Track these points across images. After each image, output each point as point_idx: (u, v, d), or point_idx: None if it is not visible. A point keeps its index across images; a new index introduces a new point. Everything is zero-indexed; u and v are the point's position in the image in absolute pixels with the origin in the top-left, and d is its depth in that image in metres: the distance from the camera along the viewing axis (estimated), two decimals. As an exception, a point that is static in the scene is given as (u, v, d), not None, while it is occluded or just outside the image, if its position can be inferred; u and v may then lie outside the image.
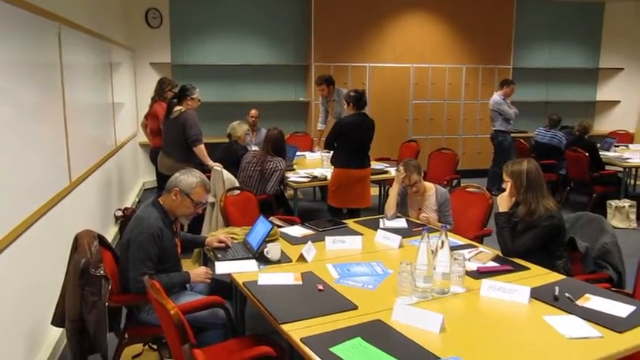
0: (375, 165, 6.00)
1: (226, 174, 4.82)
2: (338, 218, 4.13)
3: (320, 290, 2.55)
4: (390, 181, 5.29)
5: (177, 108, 5.01)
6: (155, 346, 3.23)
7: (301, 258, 2.97)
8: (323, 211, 5.94)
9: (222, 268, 2.87)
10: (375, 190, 6.00)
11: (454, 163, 6.26)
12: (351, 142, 4.75)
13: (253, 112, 7.18)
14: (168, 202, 2.90)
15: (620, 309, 2.33)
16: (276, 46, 8.62)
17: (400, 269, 2.41)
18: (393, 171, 5.69)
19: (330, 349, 1.99)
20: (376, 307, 2.35)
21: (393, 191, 3.91)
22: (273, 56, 8.61)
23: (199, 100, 5.18)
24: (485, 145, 9.05)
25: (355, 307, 2.36)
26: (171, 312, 2.08)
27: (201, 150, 4.98)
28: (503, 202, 3.14)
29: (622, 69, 9.89)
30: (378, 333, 2.13)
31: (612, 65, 9.94)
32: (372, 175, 5.24)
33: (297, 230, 3.57)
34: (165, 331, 2.36)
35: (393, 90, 8.77)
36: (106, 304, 2.65)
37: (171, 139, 5.08)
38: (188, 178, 2.89)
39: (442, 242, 2.46)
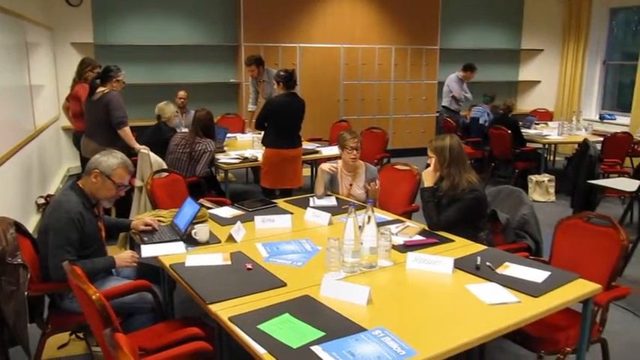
0: (307, 145, 6.01)
1: (153, 157, 4.69)
2: (271, 199, 4.12)
3: (249, 269, 2.53)
4: (320, 161, 5.32)
5: (100, 89, 4.81)
6: (82, 335, 3.13)
7: (230, 238, 2.94)
8: (256, 193, 5.90)
9: (148, 251, 2.80)
10: (307, 171, 6.02)
11: (384, 142, 6.36)
12: (281, 122, 4.73)
13: (182, 93, 7.03)
14: (88, 184, 2.79)
15: (537, 275, 2.44)
16: (204, 26, 8.42)
17: (328, 245, 2.43)
18: (324, 151, 5.73)
19: (258, 327, 1.98)
20: (305, 284, 2.37)
21: (323, 169, 3.94)
22: (201, 36, 8.41)
23: (124, 82, 5.00)
24: (416, 124, 9.27)
25: (284, 285, 2.36)
26: (93, 297, 2.01)
27: (126, 133, 4.81)
28: (427, 177, 3.22)
29: (542, 50, 10.32)
30: (306, 308, 2.15)
31: (533, 46, 10.35)
32: (303, 155, 5.26)
33: (226, 211, 3.53)
34: (88, 318, 2.28)
35: (324, 70, 8.78)
36: (26, 293, 2.54)
37: (94, 121, 4.88)
38: (109, 159, 2.79)
39: (369, 217, 2.50)
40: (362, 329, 1.96)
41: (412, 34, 9.18)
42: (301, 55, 8.60)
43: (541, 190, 6.65)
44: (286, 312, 2.10)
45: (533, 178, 6.68)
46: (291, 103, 4.74)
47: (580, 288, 2.35)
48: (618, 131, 6.85)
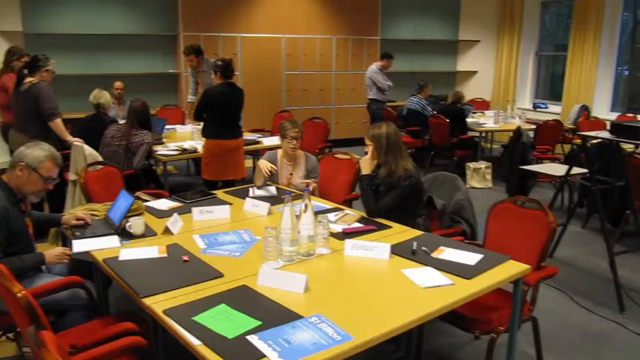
0: (248, 136, 5.95)
1: (87, 149, 4.54)
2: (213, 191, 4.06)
3: (185, 261, 2.49)
4: (262, 151, 5.28)
5: (29, 79, 4.60)
6: (12, 336, 3.00)
7: (167, 231, 2.88)
8: (198, 185, 5.81)
9: (80, 246, 2.70)
10: (249, 162, 5.97)
11: (326, 132, 6.38)
12: (220, 113, 4.66)
13: (118, 84, 6.83)
14: (13, 178, 2.66)
15: (470, 258, 2.51)
16: (141, 15, 8.17)
17: (265, 234, 2.41)
18: (265, 141, 5.70)
19: (194, 318, 1.95)
20: (242, 274, 2.34)
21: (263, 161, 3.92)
22: (138, 25, 8.16)
23: (54, 72, 4.80)
24: (358, 114, 9.33)
25: (221, 275, 2.33)
26: (18, 295, 1.93)
27: (58, 125, 4.63)
28: (365, 165, 3.25)
29: (478, 41, 10.58)
30: (243, 298, 2.13)
31: (470, 38, 10.60)
32: (245, 145, 5.21)
33: (163, 203, 3.45)
34: (14, 317, 2.18)
35: (266, 61, 8.71)
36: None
37: (23, 113, 4.66)
38: (35, 151, 2.67)
39: (305, 206, 2.49)
40: (299, 317, 1.96)
41: (353, 25, 9.23)
42: (242, 45, 8.50)
43: (478, 176, 6.84)
44: (222, 303, 2.07)
45: (471, 165, 6.87)
46: (229, 92, 4.68)
47: (510, 269, 2.43)
48: (550, 119, 7.11)
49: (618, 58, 8.77)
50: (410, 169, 3.15)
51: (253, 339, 1.81)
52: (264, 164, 3.83)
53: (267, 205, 3.24)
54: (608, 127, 4.21)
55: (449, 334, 3.33)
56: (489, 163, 6.93)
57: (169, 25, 8.31)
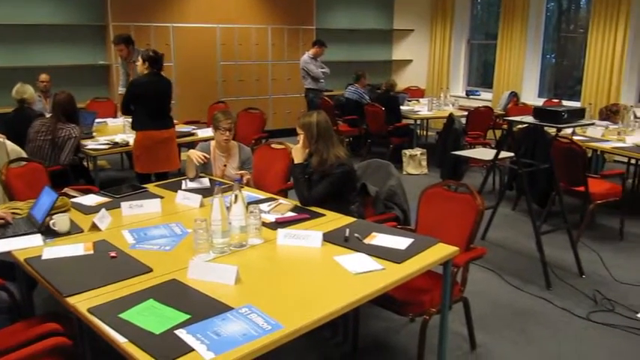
0: (183, 127, 5.85)
1: (10, 145, 4.32)
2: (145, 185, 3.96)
3: (113, 257, 2.41)
4: (197, 143, 5.18)
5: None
6: None
7: (94, 227, 2.78)
8: (132, 180, 5.65)
9: (0, 246, 2.57)
10: (184, 155, 5.85)
11: (262, 123, 6.33)
12: (148, 104, 4.54)
13: (43, 76, 6.54)
14: None
15: (401, 242, 2.56)
16: (67, 5, 7.82)
17: (195, 227, 2.37)
18: (200, 133, 5.60)
19: (120, 316, 1.90)
20: (172, 268, 2.30)
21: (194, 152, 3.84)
22: (65, 16, 7.81)
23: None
24: (295, 104, 9.30)
25: (150, 270, 2.27)
26: None
27: (-25, 120, 4.39)
28: (297, 154, 3.24)
29: (412, 30, 10.76)
30: (172, 292, 2.09)
31: (404, 27, 10.77)
32: (179, 137, 5.10)
33: (91, 199, 3.33)
34: None
35: (200, 51, 8.54)
36: None
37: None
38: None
39: (236, 197, 2.47)
40: (229, 308, 1.94)
41: (288, 14, 9.18)
42: (175, 36, 8.30)
43: (414, 163, 6.97)
44: (150, 298, 2.02)
45: (407, 152, 6.99)
46: (155, 82, 4.55)
47: (439, 252, 2.49)
48: (481, 106, 7.32)
49: (544, 47, 9.13)
50: (342, 157, 3.17)
51: (182, 333, 1.78)
52: (194, 154, 3.76)
53: (199, 197, 3.18)
54: (533, 112, 4.36)
55: (385, 318, 3.38)
56: (424, 150, 7.08)
57: (98, 15, 8.01)
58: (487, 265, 4.22)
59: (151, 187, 3.66)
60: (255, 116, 6.45)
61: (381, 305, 2.83)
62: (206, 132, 5.63)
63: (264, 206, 3.08)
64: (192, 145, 5.75)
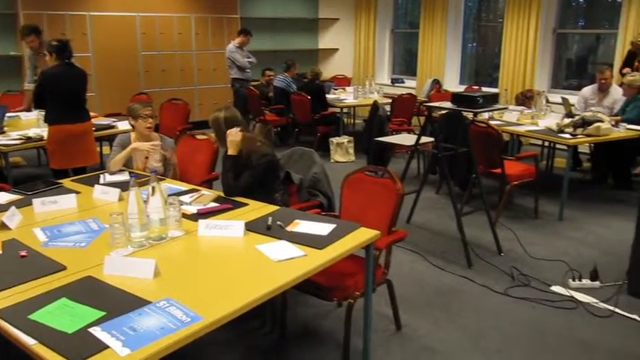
0: (102, 120, 5.65)
1: None
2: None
3: (23, 257, 2.30)
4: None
5: None
6: None
7: (3, 226, 2.63)
8: (49, 176, 5.39)
9: None
10: (106, 149, 5.65)
11: (186, 114, 6.20)
12: (61, 96, 4.33)
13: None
14: None
15: (323, 229, 2.58)
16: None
17: (110, 221, 2.30)
18: (120, 125, 5.41)
19: (30, 317, 1.81)
20: (88, 264, 2.21)
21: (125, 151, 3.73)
22: (-33, 3, 7.35)
23: None
24: (222, 95, 9.17)
25: (63, 268, 2.18)
26: None
27: None
28: (233, 146, 3.14)
29: (338, 19, 10.83)
30: (87, 290, 2.01)
31: (329, 16, 10.82)
32: (98, 130, 4.92)
33: (0, 197, 3.15)
34: None
35: (120, 41, 8.25)
36: None
37: None
38: None
39: (153, 189, 2.40)
40: (147, 303, 1.89)
41: (211, 3, 9.02)
42: (92, 25, 7.97)
43: (342, 151, 7.05)
44: (64, 296, 1.94)
45: (334, 140, 7.06)
46: (67, 73, 4.35)
47: (361, 236, 2.53)
48: (405, 93, 7.47)
49: (466, 36, 9.44)
50: (263, 148, 3.15)
51: (96, 331, 1.72)
52: (144, 145, 3.67)
53: (117, 191, 3.08)
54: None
55: (313, 305, 3.42)
56: (351, 138, 7.16)
57: (7, 2, 7.56)
58: (412, 248, 4.34)
59: (66, 182, 3.51)
60: (178, 107, 6.31)
61: (308, 292, 2.85)
62: (127, 124, 5.44)
63: (185, 198, 3.03)
64: (112, 139, 5.59)
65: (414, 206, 4.90)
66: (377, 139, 5.13)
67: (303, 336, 3.16)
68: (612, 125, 5.24)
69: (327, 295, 2.76)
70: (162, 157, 3.83)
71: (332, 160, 6.99)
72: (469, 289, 3.73)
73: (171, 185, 3.32)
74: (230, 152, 3.18)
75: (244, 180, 3.11)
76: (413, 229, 4.77)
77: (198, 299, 1.92)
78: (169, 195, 2.83)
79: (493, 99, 3.97)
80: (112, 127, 5.38)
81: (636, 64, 6.09)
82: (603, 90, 6.17)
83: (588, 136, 5.06)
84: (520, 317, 3.36)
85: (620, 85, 6.04)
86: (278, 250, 2.34)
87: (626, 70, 6.34)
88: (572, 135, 5.06)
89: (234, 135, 3.13)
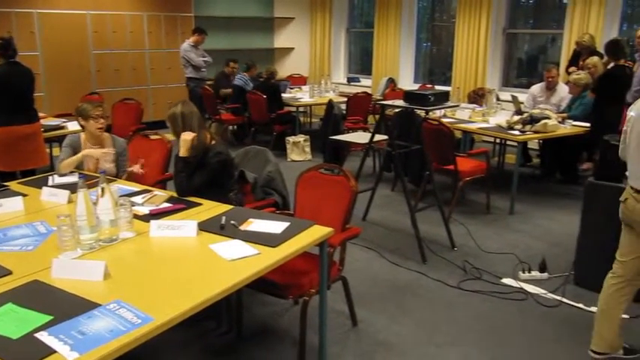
0: (52, 121, 5.50)
1: None
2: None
3: (-35, 263, 2.22)
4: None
5: None
6: None
7: (-56, 231, 2.54)
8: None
9: None
10: (56, 150, 5.50)
11: (139, 114, 6.10)
12: (7, 96, 4.20)
13: None
14: None
15: (277, 227, 2.58)
16: None
17: (58, 224, 2.24)
18: (70, 126, 5.28)
19: (-28, 324, 1.76)
20: (35, 268, 2.16)
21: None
22: None
23: None
24: (177, 94, 9.03)
25: (9, 273, 2.12)
26: None
27: None
28: (184, 146, 3.10)
29: (293, 18, 10.83)
30: (33, 294, 1.96)
31: (284, 15, 10.81)
32: (47, 131, 4.79)
33: (-59, 202, 3.04)
34: None
35: (70, 39, 8.03)
36: None
37: None
38: None
39: (102, 190, 2.36)
40: (96, 306, 1.86)
41: (164, 1, 8.89)
42: (40, 23, 7.74)
43: (298, 150, 7.06)
44: (9, 302, 1.89)
45: (290, 139, 7.06)
46: (13, 73, 4.23)
47: (315, 233, 2.55)
48: (360, 92, 7.54)
49: (420, 35, 9.59)
50: (217, 146, 3.14)
51: (42, 335, 1.68)
52: (97, 152, 3.62)
53: (66, 192, 3.01)
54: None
55: (270, 303, 3.42)
56: (307, 136, 7.18)
57: (-53, -1, 7.28)
58: (367, 244, 4.39)
59: (13, 184, 3.40)
60: (131, 107, 6.20)
61: (264, 291, 2.86)
62: (77, 125, 5.32)
63: (137, 198, 2.99)
64: (62, 140, 5.46)
65: (369, 204, 4.95)
66: (332, 137, 5.16)
67: (259, 335, 3.16)
68: (559, 122, 5.43)
69: (283, 293, 2.77)
70: (115, 157, 3.76)
71: (289, 159, 7.00)
72: (423, 283, 3.80)
73: (123, 186, 3.27)
74: (181, 154, 3.13)
75: (198, 179, 3.08)
76: (369, 226, 4.82)
77: (150, 300, 1.91)
78: (121, 196, 2.79)
79: (444, 97, 4.05)
80: (62, 127, 5.25)
81: (581, 62, 6.32)
82: (551, 88, 6.38)
83: (536, 132, 5.22)
84: (473, 310, 3.45)
85: (567, 83, 6.25)
86: (231, 249, 2.33)
87: (572, 68, 6.57)
88: (521, 132, 5.22)
89: (185, 136, 3.10)
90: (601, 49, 6.13)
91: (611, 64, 5.48)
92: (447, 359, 2.94)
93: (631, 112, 2.69)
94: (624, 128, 2.76)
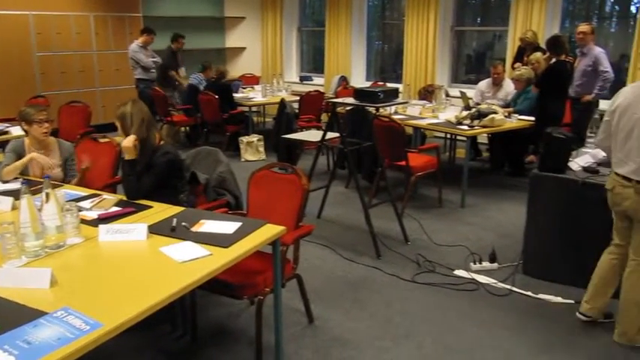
0: (-6, 126, 5.31)
1: None
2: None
3: None
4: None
5: None
6: None
7: None
8: None
9: None
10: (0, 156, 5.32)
11: (87, 116, 5.96)
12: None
13: None
14: None
15: (229, 227, 2.58)
16: None
17: (1, 232, 2.18)
18: (13, 131, 5.12)
19: None
20: (-24, 279, 2.09)
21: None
22: None
23: None
24: (126, 96, 8.75)
25: (-52, 285, 2.05)
26: None
27: None
28: (128, 150, 3.04)
29: (244, 18, 10.76)
30: (-24, 305, 1.91)
31: (235, 14, 10.73)
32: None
33: None
34: None
35: (11, 41, 7.75)
36: None
37: None
38: None
39: (47, 195, 2.31)
40: (43, 314, 1.82)
41: (111, 1, 8.68)
42: (-22, 24, 7.45)
43: (252, 149, 7.03)
44: (-52, 315, 1.83)
45: (244, 139, 7.03)
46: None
47: (267, 232, 2.55)
48: (312, 91, 7.57)
49: (372, 33, 9.69)
50: (165, 146, 3.10)
51: (-15, 347, 1.64)
52: (43, 158, 3.51)
53: (9, 199, 2.91)
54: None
55: (226, 304, 3.41)
56: (261, 136, 7.16)
57: None
58: (322, 242, 4.42)
59: (-48, 193, 3.28)
60: (78, 110, 6.05)
61: (218, 292, 2.85)
62: (21, 130, 5.16)
63: (86, 203, 2.92)
64: (4, 145, 5.27)
65: (323, 201, 4.98)
66: (284, 136, 5.17)
67: (215, 336, 3.14)
68: (505, 116, 5.59)
69: (237, 294, 2.77)
70: (63, 162, 3.67)
71: (243, 159, 6.97)
72: (378, 278, 3.86)
73: (69, 191, 3.19)
74: (127, 157, 3.07)
75: (147, 180, 3.03)
76: (323, 224, 4.85)
77: (99, 306, 1.87)
78: (68, 201, 2.73)
79: (394, 94, 4.12)
80: (5, 132, 5.10)
81: (525, 58, 6.51)
82: (497, 84, 6.56)
83: (484, 127, 5.36)
84: (426, 302, 3.52)
85: (512, 78, 6.44)
86: (182, 251, 2.31)
87: (517, 64, 6.77)
88: (469, 126, 5.35)
89: (125, 142, 3.04)
90: (544, 45, 6.33)
91: (553, 60, 5.67)
92: (401, 351, 2.99)
93: (615, 103, 2.81)
94: (605, 119, 2.89)
